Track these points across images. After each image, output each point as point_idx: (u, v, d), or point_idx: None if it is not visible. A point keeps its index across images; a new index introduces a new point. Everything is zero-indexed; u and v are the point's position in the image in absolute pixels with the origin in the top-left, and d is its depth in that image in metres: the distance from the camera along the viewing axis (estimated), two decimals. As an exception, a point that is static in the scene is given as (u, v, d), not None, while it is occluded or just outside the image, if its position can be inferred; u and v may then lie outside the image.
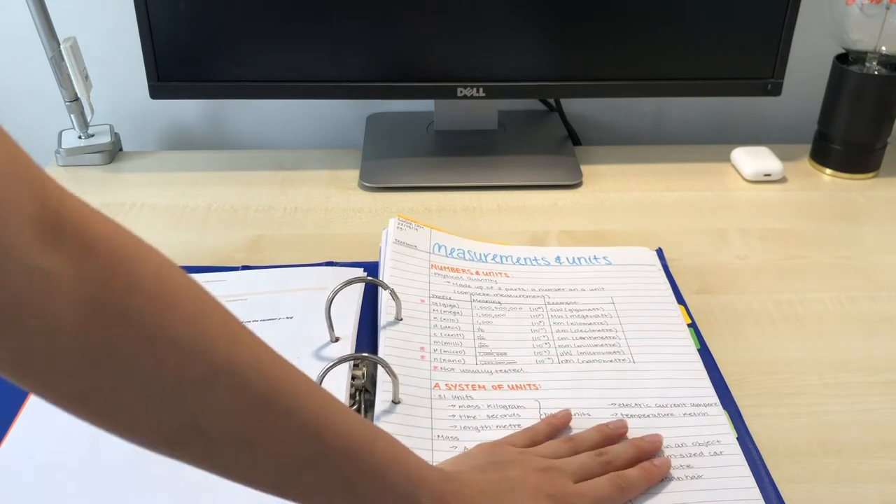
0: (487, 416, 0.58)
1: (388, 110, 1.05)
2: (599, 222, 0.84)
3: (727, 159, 0.96)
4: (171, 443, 0.37)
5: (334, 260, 0.76)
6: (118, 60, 0.99)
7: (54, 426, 0.56)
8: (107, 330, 0.33)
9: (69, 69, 0.90)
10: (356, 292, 0.70)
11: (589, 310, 0.69)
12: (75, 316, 0.32)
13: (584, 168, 0.93)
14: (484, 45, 0.87)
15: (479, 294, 0.70)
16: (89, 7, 0.97)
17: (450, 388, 0.60)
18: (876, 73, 0.89)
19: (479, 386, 0.61)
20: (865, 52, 0.90)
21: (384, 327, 0.65)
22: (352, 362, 0.60)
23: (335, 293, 0.64)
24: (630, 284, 0.72)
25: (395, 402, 0.58)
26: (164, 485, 0.52)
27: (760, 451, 0.56)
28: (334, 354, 0.61)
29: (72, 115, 0.94)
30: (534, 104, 1.05)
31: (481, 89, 0.89)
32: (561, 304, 0.70)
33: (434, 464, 0.51)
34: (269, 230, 0.83)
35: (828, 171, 0.94)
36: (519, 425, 0.57)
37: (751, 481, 0.53)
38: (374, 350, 0.63)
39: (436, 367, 0.62)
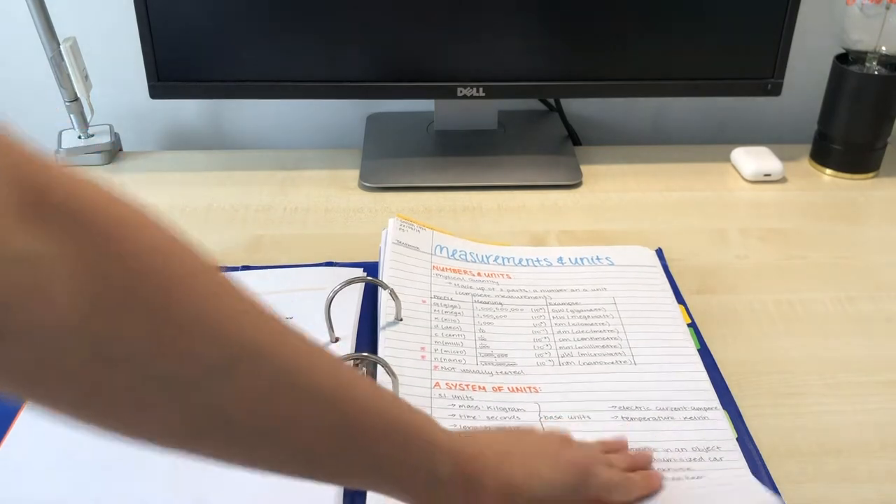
0: (487, 417, 0.58)
1: (388, 110, 1.05)
2: (599, 222, 0.84)
3: (727, 159, 0.96)
4: (191, 438, 0.34)
5: (334, 260, 0.76)
6: (118, 60, 0.99)
7: (55, 426, 0.56)
8: (110, 320, 0.30)
9: (69, 69, 0.90)
10: (356, 292, 0.70)
11: (591, 310, 0.69)
12: (73, 308, 0.29)
13: (584, 168, 0.93)
14: (484, 45, 0.87)
15: (480, 295, 0.70)
16: (89, 7, 0.97)
17: (450, 388, 0.61)
18: (876, 73, 0.89)
19: (480, 387, 0.61)
20: (865, 52, 0.89)
21: (384, 327, 0.65)
22: (352, 362, 0.60)
23: (335, 293, 0.64)
24: (630, 285, 0.72)
25: (396, 402, 0.58)
26: (166, 484, 0.52)
27: (760, 451, 0.56)
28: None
29: (72, 115, 0.94)
30: (534, 104, 1.05)
31: (481, 89, 0.89)
32: (563, 304, 0.70)
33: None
34: (269, 230, 0.83)
35: (828, 171, 0.94)
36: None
37: (757, 486, 0.53)
38: (374, 350, 0.63)
39: (436, 367, 0.62)
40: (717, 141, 1.05)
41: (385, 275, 0.70)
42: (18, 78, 1.01)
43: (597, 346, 0.65)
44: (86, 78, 0.92)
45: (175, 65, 0.87)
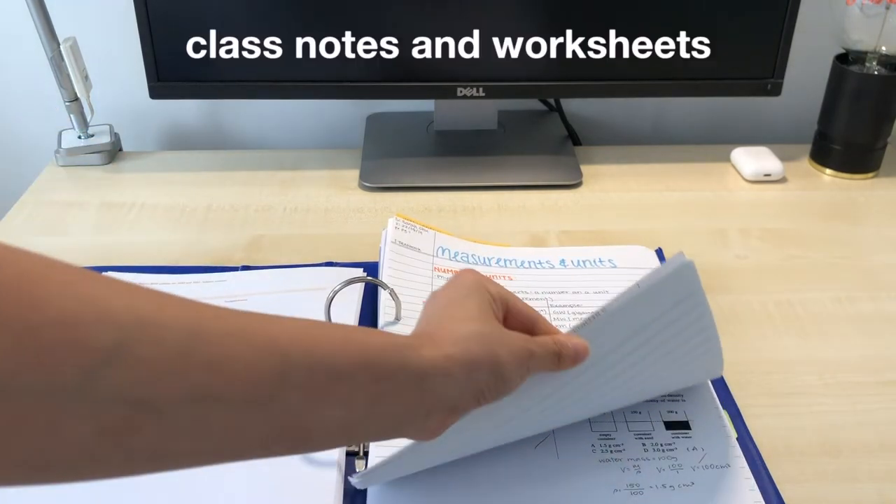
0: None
1: (388, 110, 1.05)
2: (599, 222, 0.84)
3: (727, 159, 0.96)
4: (113, 434, 0.31)
5: (334, 260, 0.76)
6: (118, 60, 0.99)
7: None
8: None
9: (69, 69, 0.90)
10: (356, 292, 0.70)
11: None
12: None
13: (584, 168, 0.93)
14: (484, 44, 0.87)
15: (479, 294, 0.70)
16: (89, 7, 0.97)
17: (450, 389, 0.60)
18: (876, 73, 0.89)
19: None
20: (865, 52, 0.90)
21: (383, 327, 0.65)
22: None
23: (335, 293, 0.64)
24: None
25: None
26: (164, 484, 0.52)
27: (760, 451, 0.56)
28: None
29: (71, 115, 0.94)
30: (534, 104, 1.05)
31: (481, 89, 0.89)
32: (564, 306, 0.70)
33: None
34: (269, 230, 0.83)
35: (828, 171, 0.94)
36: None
37: (757, 495, 0.53)
38: (374, 350, 0.63)
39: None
40: (717, 141, 1.05)
41: (385, 275, 0.70)
42: (18, 78, 1.01)
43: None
44: (86, 78, 0.92)
45: (175, 65, 0.87)
